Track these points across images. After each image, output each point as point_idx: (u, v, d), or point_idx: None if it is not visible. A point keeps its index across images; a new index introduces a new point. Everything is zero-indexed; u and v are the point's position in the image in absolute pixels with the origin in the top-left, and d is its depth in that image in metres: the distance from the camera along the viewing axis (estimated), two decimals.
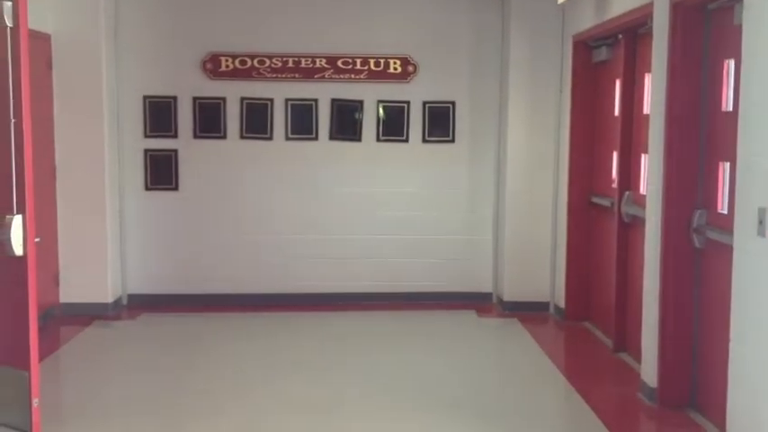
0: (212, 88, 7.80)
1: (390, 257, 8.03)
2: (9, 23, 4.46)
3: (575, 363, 6.58)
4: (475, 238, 8.09)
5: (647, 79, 5.88)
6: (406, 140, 7.96)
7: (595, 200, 7.15)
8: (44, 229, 6.43)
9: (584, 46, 7.19)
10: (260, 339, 6.85)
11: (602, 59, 6.94)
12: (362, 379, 5.83)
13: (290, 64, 7.80)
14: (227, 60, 7.76)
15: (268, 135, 7.88)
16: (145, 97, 7.76)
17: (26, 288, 4.55)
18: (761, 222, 3.79)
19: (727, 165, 4.74)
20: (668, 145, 5.13)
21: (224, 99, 7.82)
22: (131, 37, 7.67)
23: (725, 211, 4.79)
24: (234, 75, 7.78)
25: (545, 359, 6.37)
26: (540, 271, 7.78)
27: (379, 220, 8.01)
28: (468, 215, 8.07)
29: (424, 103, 7.93)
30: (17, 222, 4.49)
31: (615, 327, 6.44)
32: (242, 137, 7.86)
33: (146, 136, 7.79)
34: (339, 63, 7.82)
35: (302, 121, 7.89)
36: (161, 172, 7.83)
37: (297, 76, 7.82)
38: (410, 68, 7.87)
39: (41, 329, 5.20)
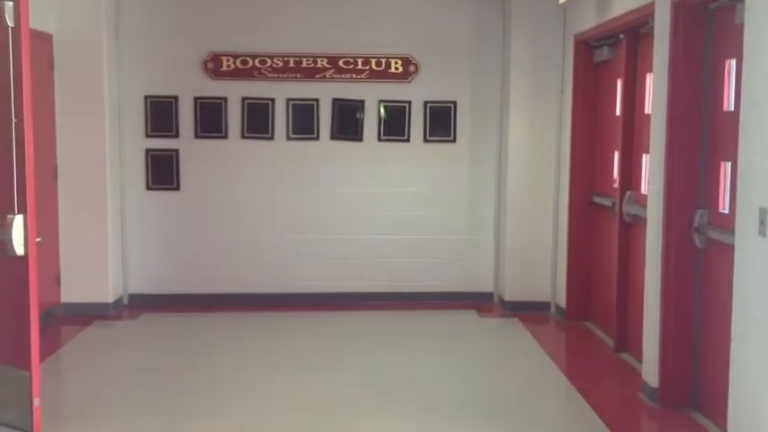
0: (213, 88, 7.80)
1: (391, 257, 8.03)
2: (10, 23, 4.47)
3: (576, 363, 6.57)
4: (476, 238, 8.09)
5: (649, 79, 5.87)
6: (408, 140, 7.96)
7: (597, 200, 7.15)
8: (45, 228, 6.42)
9: (585, 46, 7.19)
10: (261, 339, 6.85)
11: (603, 59, 6.93)
12: (363, 379, 5.83)
13: (292, 64, 7.80)
14: (228, 60, 7.77)
15: (269, 135, 7.88)
16: (146, 97, 7.76)
17: (27, 288, 4.55)
18: (762, 222, 3.79)
19: (729, 164, 4.73)
20: (669, 145, 5.12)
21: (225, 99, 7.82)
22: (133, 37, 7.68)
23: (726, 211, 4.78)
24: (235, 74, 7.78)
25: (546, 359, 6.36)
26: (542, 271, 7.78)
27: (380, 219, 8.01)
28: (469, 215, 8.07)
29: (426, 103, 7.93)
30: (18, 222, 4.50)
31: (616, 326, 6.44)
32: (243, 137, 7.87)
33: (147, 136, 7.80)
34: (340, 63, 7.82)
35: (303, 121, 7.89)
36: (162, 172, 7.83)
37: (298, 75, 7.82)
38: (411, 68, 7.87)
39: (42, 329, 5.21)
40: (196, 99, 7.80)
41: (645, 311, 5.48)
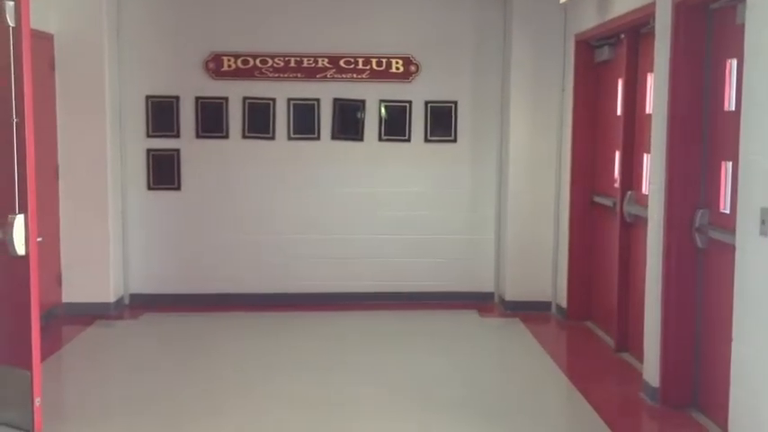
0: (214, 88, 7.80)
1: (392, 257, 8.03)
2: (11, 23, 4.47)
3: (577, 362, 6.57)
4: (477, 238, 8.09)
5: (650, 79, 5.87)
6: (408, 140, 7.96)
7: (597, 199, 7.15)
8: (46, 228, 6.43)
9: (586, 45, 7.19)
10: (261, 339, 6.85)
11: (604, 59, 6.93)
12: (363, 379, 5.83)
13: (293, 64, 7.80)
14: (229, 60, 7.77)
15: (270, 135, 7.88)
16: (147, 97, 7.76)
17: (28, 287, 4.56)
18: (763, 222, 3.79)
19: (730, 164, 4.73)
20: (670, 144, 5.12)
21: (226, 99, 7.82)
22: (134, 37, 7.68)
23: (727, 211, 4.78)
24: (236, 74, 7.78)
25: (547, 359, 6.36)
26: (542, 270, 7.78)
27: (380, 219, 8.01)
28: (470, 215, 8.07)
29: (426, 103, 7.94)
30: (19, 222, 4.50)
31: (617, 326, 6.44)
32: (244, 136, 7.87)
33: (148, 136, 7.80)
34: (341, 63, 7.82)
35: (304, 121, 7.90)
36: (163, 172, 7.83)
37: (299, 75, 7.82)
38: (412, 68, 7.87)
39: (43, 329, 5.22)
40: (197, 99, 7.80)
41: (646, 311, 5.48)
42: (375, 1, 7.86)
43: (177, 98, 7.79)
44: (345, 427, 4.97)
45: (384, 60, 7.85)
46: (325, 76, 7.83)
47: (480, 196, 8.05)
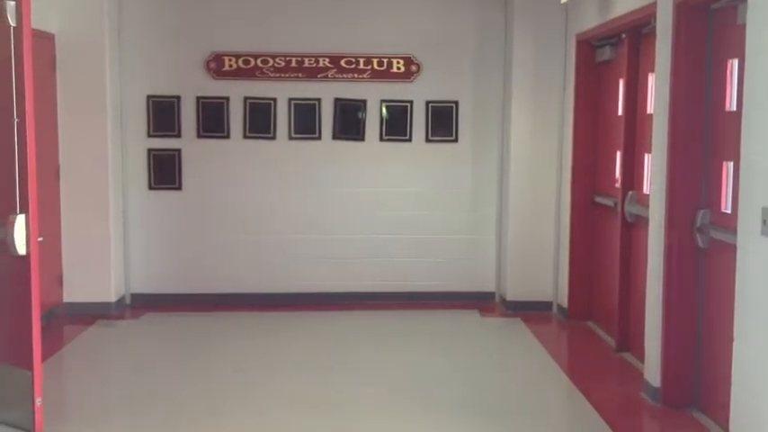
0: (215, 88, 7.80)
1: (393, 257, 8.03)
2: (12, 23, 4.47)
3: (578, 362, 6.57)
4: (478, 238, 8.09)
5: (651, 79, 5.87)
6: (409, 140, 7.96)
7: (598, 199, 7.15)
8: (47, 228, 6.43)
9: (587, 45, 7.19)
10: (263, 339, 6.85)
11: (605, 59, 6.93)
12: (364, 379, 5.83)
13: (294, 63, 7.80)
14: (230, 60, 7.77)
15: (271, 135, 7.88)
16: (148, 97, 7.77)
17: (29, 287, 4.56)
18: (765, 222, 3.78)
19: (731, 164, 4.73)
20: (671, 144, 5.12)
21: (227, 99, 7.82)
22: (135, 37, 7.68)
23: (728, 211, 4.78)
24: (237, 74, 7.78)
25: (548, 359, 6.36)
26: (543, 270, 7.78)
27: (381, 219, 8.01)
28: (471, 215, 8.06)
29: (428, 103, 7.93)
30: (20, 222, 4.50)
31: (618, 326, 6.43)
32: (245, 136, 7.87)
33: (149, 135, 7.80)
34: (342, 63, 7.82)
35: (305, 121, 7.90)
36: (164, 171, 7.83)
37: (300, 75, 7.82)
38: (413, 68, 7.87)
39: (45, 329, 5.22)
40: (198, 99, 7.80)
41: (647, 311, 5.48)
42: (376, 1, 7.86)
43: (178, 98, 7.79)
44: (346, 427, 4.97)
45: (385, 60, 7.85)
46: (327, 76, 7.83)
47: (481, 196, 8.04)
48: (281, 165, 7.90)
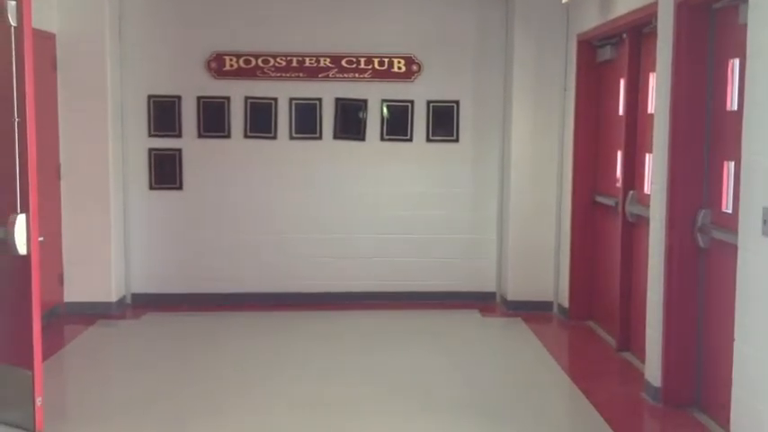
0: (216, 87, 7.80)
1: (394, 257, 8.03)
2: (13, 23, 4.47)
3: (578, 362, 6.57)
4: (479, 238, 8.08)
5: (652, 78, 5.87)
6: (410, 140, 7.96)
7: (599, 199, 7.14)
8: (48, 228, 6.43)
9: (588, 45, 7.19)
10: (263, 338, 6.85)
11: (606, 59, 6.93)
12: (365, 378, 5.83)
13: (295, 63, 7.80)
14: (231, 60, 7.77)
15: (272, 134, 7.88)
16: (149, 96, 7.76)
17: (29, 287, 4.56)
18: (765, 222, 3.78)
19: (732, 164, 4.72)
20: (672, 144, 5.12)
21: (228, 98, 7.82)
22: (136, 36, 7.68)
23: (729, 211, 4.78)
24: (238, 74, 7.78)
25: (549, 358, 6.36)
26: (544, 270, 7.77)
27: (382, 219, 8.01)
28: (472, 214, 8.06)
29: (428, 103, 7.93)
30: (21, 221, 4.50)
31: (619, 326, 6.43)
32: (246, 136, 7.87)
33: (150, 135, 7.80)
34: (343, 62, 7.82)
35: (306, 121, 7.90)
36: (165, 171, 7.83)
37: (301, 75, 7.82)
38: (414, 67, 7.86)
39: (45, 328, 5.22)
40: (199, 98, 7.80)
41: (648, 311, 5.47)
42: (377, 1, 7.86)
43: (179, 98, 7.79)
44: (345, 427, 4.96)
45: (386, 60, 7.85)
46: (327, 76, 7.83)
47: (482, 196, 8.04)
48: (281, 164, 7.90)
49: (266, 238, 7.95)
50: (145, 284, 7.90)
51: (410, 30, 7.89)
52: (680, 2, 5.01)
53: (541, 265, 7.76)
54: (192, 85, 7.78)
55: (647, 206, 5.65)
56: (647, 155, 6.01)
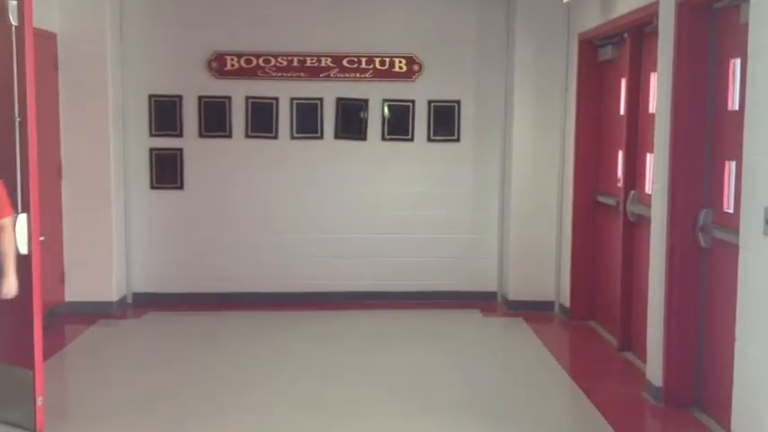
0: (217, 87, 7.80)
1: (395, 256, 8.03)
2: (14, 22, 4.47)
3: (580, 362, 6.57)
4: (480, 237, 8.08)
5: (653, 78, 5.86)
6: (411, 139, 7.96)
7: (601, 199, 7.14)
8: (49, 227, 6.43)
9: (589, 45, 7.18)
10: (264, 338, 6.85)
11: (607, 58, 6.92)
12: (365, 378, 5.83)
13: (296, 63, 7.80)
14: (232, 59, 7.77)
15: (273, 134, 7.88)
16: (150, 96, 7.77)
17: (30, 286, 4.56)
18: (767, 222, 3.78)
19: (733, 164, 4.72)
20: (674, 144, 5.11)
21: (229, 98, 7.82)
22: (137, 36, 7.68)
23: (731, 211, 4.77)
24: (239, 74, 7.78)
25: (550, 358, 6.35)
26: (545, 270, 7.77)
27: (383, 219, 8.01)
28: (473, 214, 8.06)
29: (430, 102, 7.93)
30: (22, 221, 4.50)
31: (620, 326, 6.43)
32: (247, 136, 7.87)
33: (151, 135, 7.80)
34: (344, 62, 7.81)
35: (307, 120, 7.89)
36: (166, 171, 7.84)
37: (302, 75, 7.82)
38: (415, 67, 7.86)
39: (46, 328, 5.22)
40: (200, 98, 7.80)
41: (649, 311, 5.47)
42: (378, 0, 7.86)
43: (180, 97, 7.79)
44: (346, 427, 4.96)
45: (387, 59, 7.85)
46: (329, 76, 7.83)
47: (483, 195, 8.04)
48: (282, 164, 7.90)
49: (267, 237, 7.95)
50: (146, 284, 7.90)
51: (411, 29, 7.88)
52: (681, 1, 5.00)
53: (542, 264, 7.75)
54: (193, 85, 7.78)
55: (649, 206, 5.65)
56: (648, 154, 6.01)
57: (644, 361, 5.65)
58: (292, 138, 7.89)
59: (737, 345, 4.06)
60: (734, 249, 4.28)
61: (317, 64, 7.80)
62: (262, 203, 7.92)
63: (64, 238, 7.40)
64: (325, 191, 7.95)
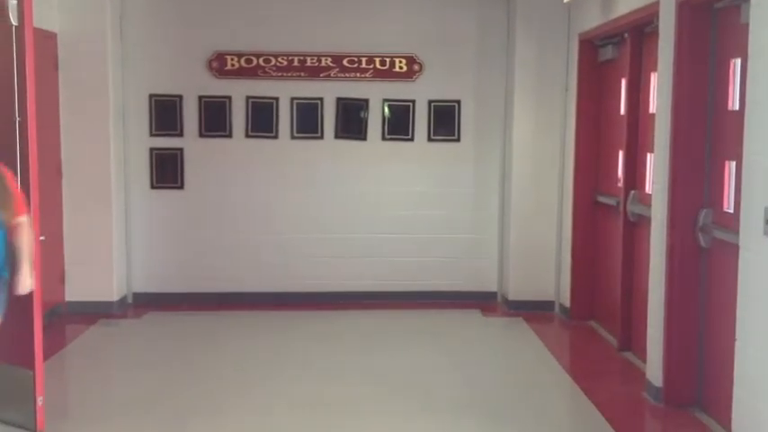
0: (218, 87, 7.80)
1: (395, 256, 8.03)
2: (14, 22, 4.47)
3: (580, 362, 6.57)
4: (480, 237, 8.08)
5: (653, 78, 5.86)
6: (412, 139, 7.96)
7: (601, 199, 7.13)
8: (50, 227, 6.44)
9: (590, 45, 7.18)
10: (264, 338, 6.85)
11: (608, 58, 6.92)
12: (365, 378, 5.82)
13: (296, 63, 7.79)
14: (232, 59, 7.77)
15: (273, 134, 7.88)
16: (151, 96, 7.77)
17: None
18: (767, 222, 3.78)
19: (733, 164, 4.72)
20: (674, 144, 5.11)
21: (229, 98, 7.82)
22: (137, 36, 7.68)
23: (731, 210, 4.77)
24: (239, 73, 7.78)
25: (550, 358, 6.35)
26: (546, 270, 7.76)
27: (383, 218, 8.00)
28: (473, 214, 8.06)
29: (430, 102, 7.93)
30: None
31: (620, 326, 6.43)
32: (247, 135, 7.87)
33: (151, 134, 7.80)
34: (344, 62, 7.81)
35: (307, 120, 7.89)
36: (166, 170, 7.84)
37: (302, 74, 7.82)
38: (415, 67, 7.86)
39: (47, 328, 5.22)
40: (200, 98, 7.80)
41: (649, 311, 5.47)
42: (378, 0, 7.85)
43: (180, 97, 7.79)
44: (346, 427, 4.96)
45: (387, 59, 7.85)
46: (329, 75, 7.83)
47: (483, 195, 8.04)
48: (283, 164, 7.90)
49: (267, 237, 7.95)
50: (146, 284, 7.90)
51: (411, 29, 7.88)
52: (681, 1, 5.00)
53: (543, 264, 7.75)
54: (194, 85, 7.78)
55: (649, 206, 5.65)
56: (648, 154, 6.01)
57: (644, 361, 5.65)
58: (292, 137, 7.89)
59: (738, 344, 4.06)
60: (734, 249, 4.28)
61: (317, 64, 7.80)
62: (262, 203, 7.92)
63: (64, 237, 7.40)
64: (325, 191, 7.95)
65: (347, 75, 7.83)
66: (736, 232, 4.20)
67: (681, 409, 5.15)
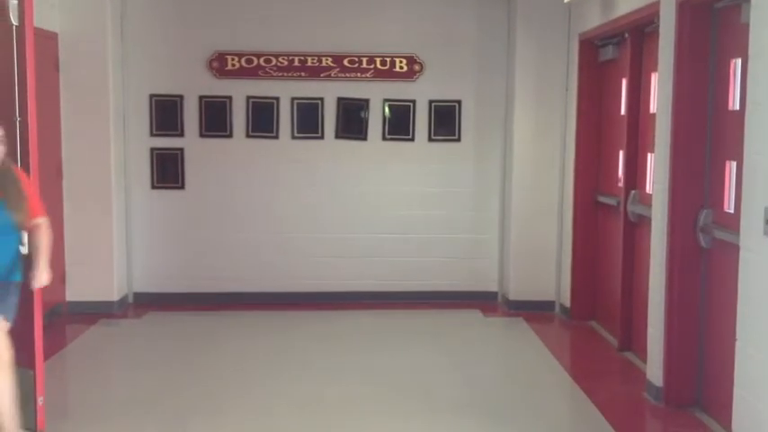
0: (218, 87, 7.80)
1: (396, 256, 8.03)
2: (15, 22, 4.47)
3: (580, 362, 6.57)
4: (480, 237, 8.08)
5: (654, 78, 5.86)
6: (412, 139, 7.96)
7: (601, 199, 7.13)
8: (50, 227, 6.41)
9: (590, 44, 7.18)
10: (264, 338, 6.85)
11: (608, 58, 6.92)
12: (366, 378, 5.82)
13: (296, 63, 7.80)
14: (233, 59, 7.77)
15: (274, 134, 7.88)
16: (151, 96, 7.77)
17: None
18: (767, 222, 3.77)
19: (734, 164, 4.72)
20: (674, 144, 5.11)
21: (230, 98, 7.82)
22: (138, 36, 7.69)
23: (731, 211, 4.77)
24: (240, 73, 7.78)
25: (550, 358, 6.35)
26: (546, 270, 7.76)
27: (384, 218, 8.00)
28: (473, 214, 8.06)
29: (430, 102, 7.93)
30: None
31: (621, 326, 6.43)
32: (248, 135, 7.87)
33: (152, 134, 7.81)
34: (345, 62, 7.81)
35: (308, 120, 7.89)
36: (167, 170, 7.84)
37: (303, 74, 7.82)
38: (416, 67, 7.86)
39: (47, 327, 5.21)
40: (201, 98, 7.80)
41: (649, 311, 5.47)
42: (379, 0, 7.85)
43: (181, 97, 7.79)
44: (346, 427, 4.96)
45: (388, 59, 7.85)
46: (329, 76, 7.83)
47: (484, 195, 8.04)
48: (283, 164, 7.90)
49: (267, 237, 7.95)
50: (146, 284, 7.90)
51: (412, 29, 7.88)
52: (682, 1, 5.00)
53: (543, 264, 7.75)
54: (194, 85, 7.79)
55: (649, 206, 5.64)
56: (648, 154, 6.01)
57: (644, 361, 5.65)
58: (293, 137, 7.89)
59: (738, 345, 4.06)
60: (734, 249, 4.27)
61: (317, 64, 7.81)
62: (262, 203, 7.92)
63: (65, 237, 7.40)
64: (325, 191, 7.95)
65: (348, 75, 7.84)
66: (737, 232, 4.20)
67: (681, 409, 5.15)
